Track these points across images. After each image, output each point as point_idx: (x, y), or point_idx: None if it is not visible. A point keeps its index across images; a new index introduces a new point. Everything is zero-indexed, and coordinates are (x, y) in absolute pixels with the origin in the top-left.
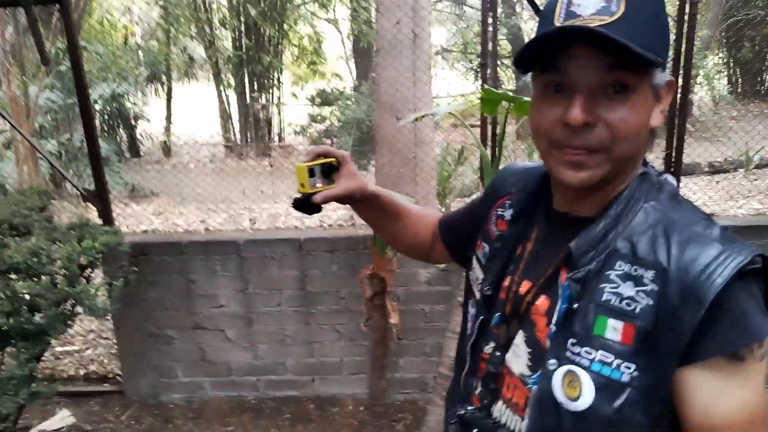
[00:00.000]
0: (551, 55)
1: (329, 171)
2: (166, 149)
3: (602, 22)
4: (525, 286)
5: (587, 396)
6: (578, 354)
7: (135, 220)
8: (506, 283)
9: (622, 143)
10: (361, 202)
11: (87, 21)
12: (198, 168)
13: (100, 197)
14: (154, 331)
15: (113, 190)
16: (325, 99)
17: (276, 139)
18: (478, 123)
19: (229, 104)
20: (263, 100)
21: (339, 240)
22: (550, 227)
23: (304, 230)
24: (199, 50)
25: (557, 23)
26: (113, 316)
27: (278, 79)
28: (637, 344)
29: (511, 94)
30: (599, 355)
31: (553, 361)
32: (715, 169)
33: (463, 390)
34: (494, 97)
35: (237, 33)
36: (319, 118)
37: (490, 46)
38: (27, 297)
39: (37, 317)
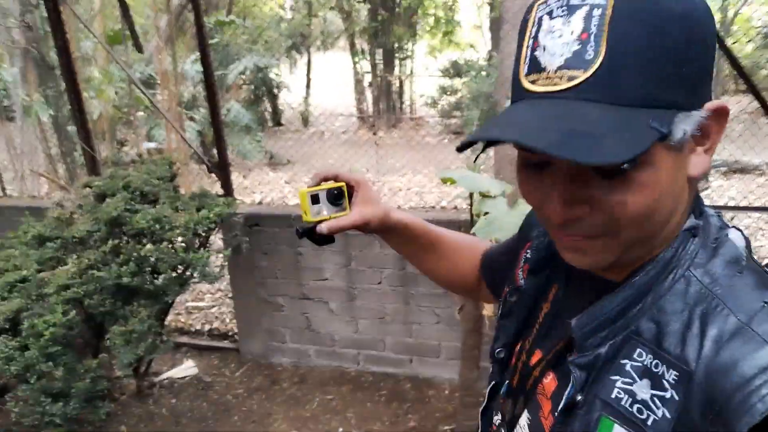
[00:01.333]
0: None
1: (338, 197)
2: (305, 119)
3: (572, 82)
4: (536, 356)
5: None
6: None
7: (268, 187)
8: (518, 347)
9: (629, 228)
10: (384, 231)
11: None
12: (332, 138)
13: (221, 169)
14: (266, 298)
15: (253, 158)
16: (456, 70)
17: (407, 110)
18: None
19: (363, 75)
20: (396, 72)
21: (441, 222)
22: (570, 286)
23: (409, 210)
24: (338, 22)
25: (521, 75)
26: (231, 281)
27: (412, 50)
28: None
29: None
30: None
31: None
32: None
33: None
34: None
35: (374, 3)
36: (449, 90)
37: None
38: (151, 260)
39: (159, 279)
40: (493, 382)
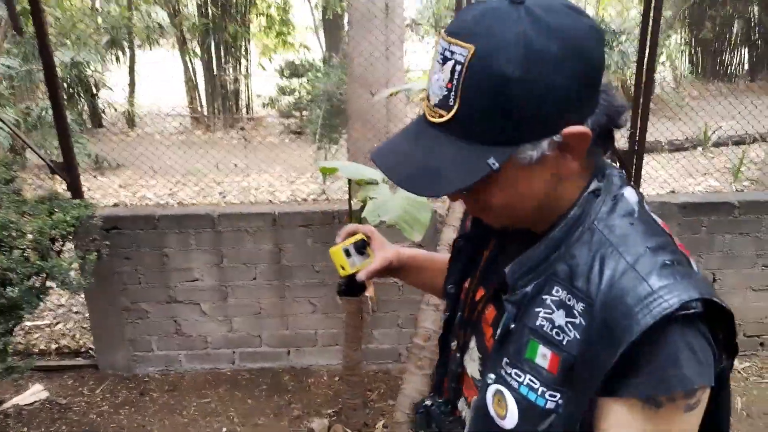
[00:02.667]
0: None
1: (362, 247)
2: (130, 119)
3: (441, 118)
4: (479, 293)
5: (511, 418)
6: (509, 375)
7: (102, 192)
8: (467, 284)
9: (517, 214)
10: (401, 269)
11: None
12: (164, 139)
13: (68, 169)
14: (128, 305)
15: (77, 162)
16: (294, 71)
17: (244, 110)
18: None
19: (195, 74)
20: (231, 71)
21: (314, 214)
22: (505, 237)
23: (279, 204)
24: (162, 16)
25: (426, 94)
26: (85, 291)
27: (246, 50)
28: (561, 375)
29: None
30: (527, 379)
31: (491, 375)
32: (675, 147)
33: (436, 380)
34: None
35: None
36: (288, 90)
37: None
38: None
39: (8, 291)
40: (447, 314)
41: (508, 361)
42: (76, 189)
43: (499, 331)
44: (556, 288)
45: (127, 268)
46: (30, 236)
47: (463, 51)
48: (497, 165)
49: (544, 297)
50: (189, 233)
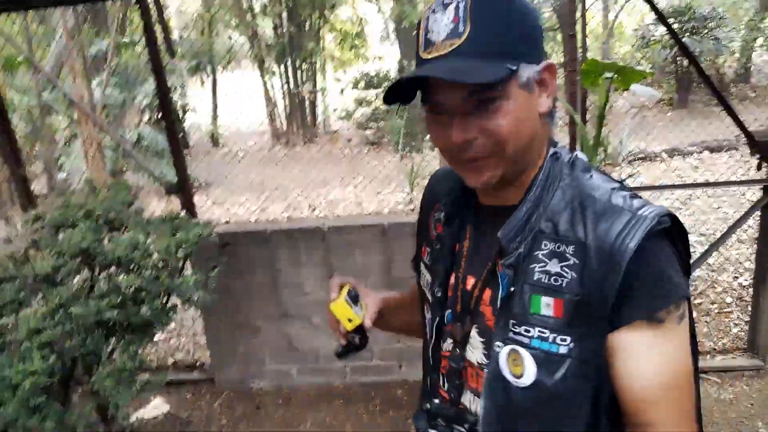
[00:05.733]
0: (423, 89)
1: (356, 297)
2: (214, 139)
3: (452, 47)
4: (470, 281)
5: (530, 371)
6: (519, 333)
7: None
8: (452, 281)
9: (508, 143)
10: (388, 312)
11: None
12: (247, 157)
13: (182, 190)
14: (242, 321)
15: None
16: (369, 82)
17: (321, 125)
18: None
19: (273, 92)
20: (307, 87)
21: (395, 225)
22: (481, 222)
23: (388, 215)
24: (240, 40)
25: (421, 51)
26: (201, 307)
27: (321, 65)
28: (568, 316)
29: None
30: (537, 331)
31: (498, 343)
32: None
33: (429, 386)
34: (598, 68)
35: (279, 20)
36: (364, 102)
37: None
38: (129, 290)
39: (141, 310)
40: (437, 318)
41: (515, 322)
42: (190, 208)
43: (499, 297)
44: (544, 243)
45: (240, 285)
46: (155, 255)
47: None
48: (516, 67)
49: (536, 253)
50: (300, 248)
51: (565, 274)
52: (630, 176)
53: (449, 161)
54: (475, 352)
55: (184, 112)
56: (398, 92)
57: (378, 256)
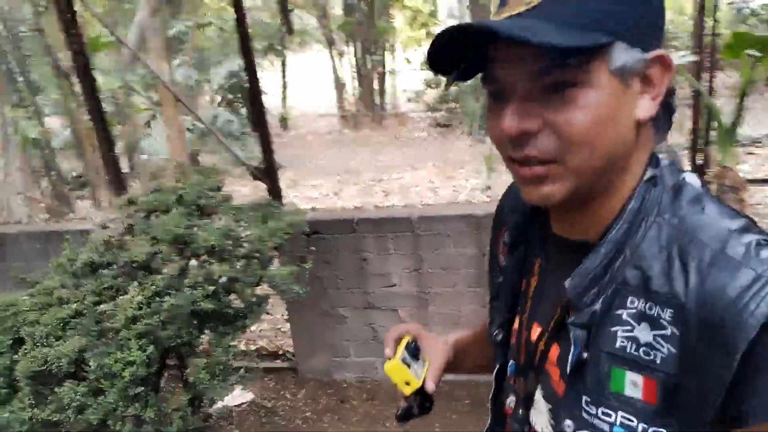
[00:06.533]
0: (483, 62)
1: (416, 350)
2: (284, 121)
3: (528, 5)
4: (535, 330)
5: None
6: (595, 416)
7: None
8: (516, 325)
9: (576, 149)
10: (459, 354)
11: None
12: (316, 139)
13: (269, 174)
14: (327, 310)
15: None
16: None
17: (391, 106)
18: None
19: (342, 74)
20: (378, 68)
21: (473, 216)
22: (551, 256)
23: (480, 205)
24: (310, 20)
25: (493, 15)
26: (293, 299)
27: (392, 45)
28: (663, 402)
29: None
30: (620, 417)
31: (568, 422)
32: None
33: None
34: (745, 42)
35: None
36: (434, 84)
37: None
38: (221, 280)
39: (234, 302)
40: (498, 365)
41: (589, 399)
42: (276, 194)
43: (569, 365)
44: (630, 299)
45: (327, 273)
46: (246, 245)
47: None
48: (602, 41)
49: (619, 312)
50: (387, 237)
51: (659, 347)
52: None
53: (507, 166)
54: (540, 418)
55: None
56: (450, 59)
57: (470, 248)
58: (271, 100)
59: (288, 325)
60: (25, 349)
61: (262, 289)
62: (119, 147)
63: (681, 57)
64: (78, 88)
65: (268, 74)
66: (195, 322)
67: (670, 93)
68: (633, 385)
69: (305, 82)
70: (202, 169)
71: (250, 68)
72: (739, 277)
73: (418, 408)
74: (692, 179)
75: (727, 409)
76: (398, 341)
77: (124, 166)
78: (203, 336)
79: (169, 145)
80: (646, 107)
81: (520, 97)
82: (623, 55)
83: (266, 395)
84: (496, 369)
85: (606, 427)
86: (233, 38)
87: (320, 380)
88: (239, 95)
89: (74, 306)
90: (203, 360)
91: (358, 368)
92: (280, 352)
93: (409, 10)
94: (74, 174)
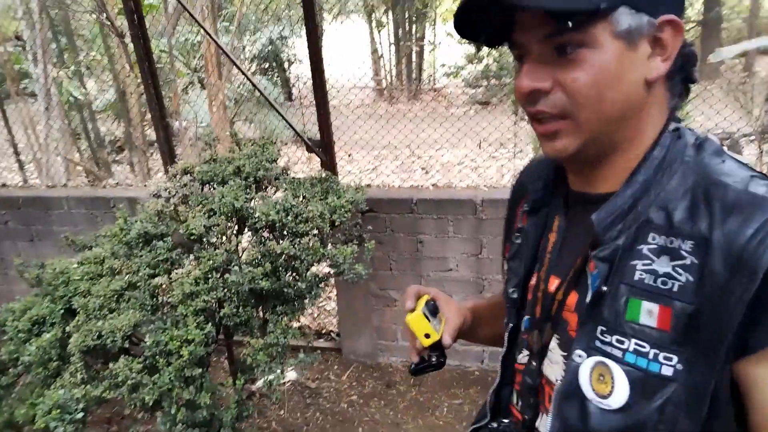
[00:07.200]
0: (505, 27)
1: (434, 308)
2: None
3: None
4: (553, 282)
5: (621, 392)
6: (609, 343)
7: (308, 166)
8: (533, 281)
9: (585, 105)
10: (471, 325)
11: None
12: (349, 112)
13: (325, 148)
14: (376, 291)
15: (282, 135)
16: None
17: (428, 81)
18: None
19: (380, 46)
20: (417, 40)
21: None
22: (572, 211)
23: (469, 190)
24: None
25: None
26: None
27: (433, 19)
28: (677, 330)
29: None
30: (633, 344)
31: (579, 352)
32: None
33: (501, 402)
34: None
35: None
36: (475, 59)
37: None
38: (281, 258)
39: (296, 281)
40: (511, 325)
41: (604, 329)
42: (332, 168)
43: (588, 296)
44: (652, 235)
45: (379, 254)
46: (314, 222)
47: None
48: (603, 5)
49: (640, 247)
50: (447, 219)
51: (677, 275)
52: None
53: (530, 124)
54: (554, 368)
55: (290, 63)
56: (477, 25)
57: None
58: (304, 70)
59: (333, 303)
60: (78, 321)
61: (317, 269)
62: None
63: None
64: (127, 48)
65: (302, 42)
66: (252, 301)
67: (688, 60)
68: (648, 313)
69: (341, 53)
70: (258, 139)
71: (313, 37)
72: (761, 212)
73: (429, 359)
74: (712, 137)
75: (742, 335)
76: (418, 298)
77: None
78: (260, 316)
79: (211, 113)
80: (657, 68)
81: (534, 59)
82: (628, 18)
83: (310, 376)
84: (510, 328)
85: (619, 353)
86: (271, 5)
87: (365, 363)
88: (274, 64)
89: (127, 278)
90: (260, 341)
91: (405, 353)
92: (324, 331)
93: None
94: (112, 138)
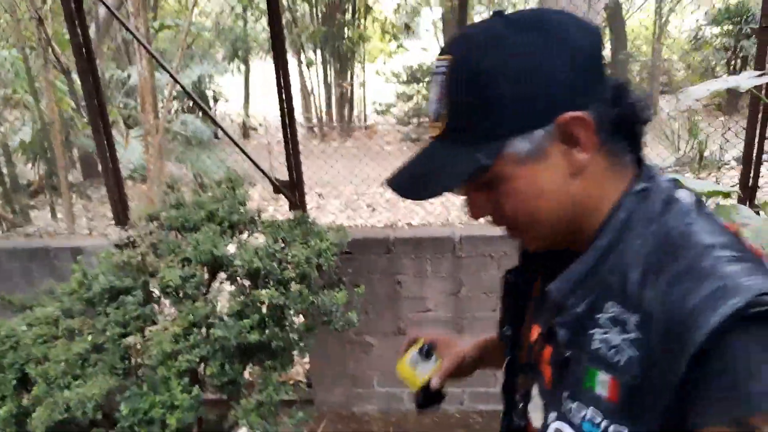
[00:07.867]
0: None
1: (429, 351)
2: (245, 130)
3: (436, 132)
4: (534, 332)
5: None
6: (570, 410)
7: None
8: (524, 324)
9: (526, 225)
10: (474, 365)
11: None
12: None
13: (294, 188)
14: (352, 338)
15: (213, 175)
16: (412, 75)
17: (359, 119)
18: None
19: (310, 83)
20: (346, 78)
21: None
22: (552, 263)
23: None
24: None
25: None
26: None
27: (361, 56)
28: (624, 403)
29: None
30: (590, 412)
31: (552, 414)
32: None
33: (508, 425)
34: None
35: (317, 8)
36: (405, 97)
37: None
38: (264, 307)
39: (289, 331)
40: (508, 358)
41: (568, 394)
42: (303, 209)
43: (552, 360)
44: (610, 302)
45: (355, 297)
46: (300, 267)
47: (444, 62)
48: (488, 161)
49: (598, 316)
50: (425, 258)
51: (626, 348)
52: None
53: None
54: (536, 414)
55: (215, 100)
56: None
57: None
58: (232, 108)
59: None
60: (37, 392)
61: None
62: (74, 153)
63: None
64: (49, 77)
65: (229, 80)
66: (241, 357)
67: (625, 115)
68: (602, 384)
69: (269, 91)
70: (228, 180)
71: (283, 75)
72: (700, 288)
73: (425, 401)
74: (685, 195)
75: (681, 414)
76: (412, 343)
77: (79, 174)
78: (247, 372)
79: (147, 153)
80: (575, 160)
81: (472, 192)
82: (523, 143)
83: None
84: (506, 362)
85: (578, 420)
86: (196, 43)
87: (339, 413)
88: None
89: (90, 339)
90: (251, 401)
91: (382, 399)
92: (291, 383)
93: (381, 22)
94: (25, 181)
